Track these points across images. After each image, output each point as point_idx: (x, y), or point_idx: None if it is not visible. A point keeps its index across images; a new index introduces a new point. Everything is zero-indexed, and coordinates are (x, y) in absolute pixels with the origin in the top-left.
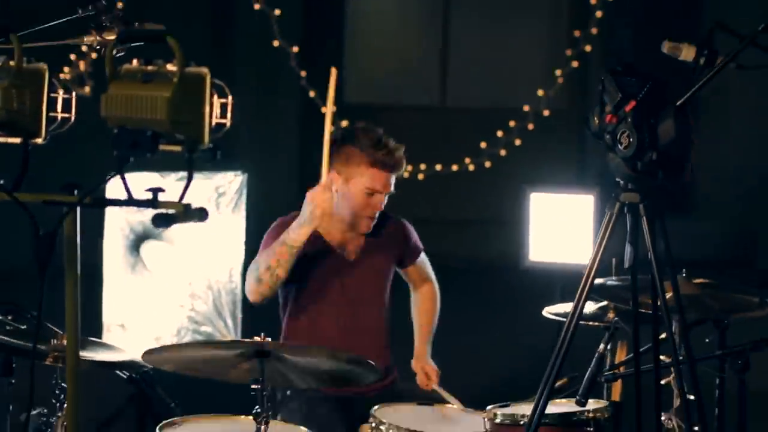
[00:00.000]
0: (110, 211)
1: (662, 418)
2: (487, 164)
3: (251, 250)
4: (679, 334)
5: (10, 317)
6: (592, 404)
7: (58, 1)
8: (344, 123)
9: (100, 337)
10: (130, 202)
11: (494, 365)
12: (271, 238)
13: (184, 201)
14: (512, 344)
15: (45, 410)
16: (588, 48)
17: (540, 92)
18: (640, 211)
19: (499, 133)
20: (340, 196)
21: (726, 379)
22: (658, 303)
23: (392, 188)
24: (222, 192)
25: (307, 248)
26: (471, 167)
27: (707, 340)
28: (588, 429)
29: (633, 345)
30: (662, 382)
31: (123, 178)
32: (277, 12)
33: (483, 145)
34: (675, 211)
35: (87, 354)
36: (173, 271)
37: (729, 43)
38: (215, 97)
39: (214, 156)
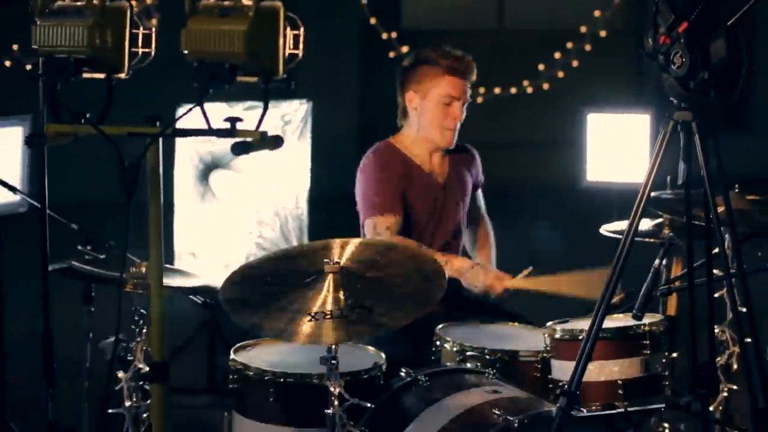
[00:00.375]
0: (180, 142)
1: (715, 330)
2: (546, 86)
3: (316, 177)
4: (731, 248)
5: (89, 247)
6: (648, 318)
7: None
8: (404, 49)
9: (173, 265)
10: (210, 131)
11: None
12: (376, 170)
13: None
14: (571, 262)
15: (123, 336)
16: None
17: (597, 13)
18: (693, 129)
19: (557, 55)
20: (420, 115)
21: None
22: (710, 218)
23: (468, 97)
24: (288, 120)
25: (402, 172)
26: (529, 90)
27: (759, 254)
28: (644, 342)
29: (688, 260)
30: (715, 295)
31: (203, 109)
32: None
33: (541, 67)
34: (729, 127)
35: (165, 280)
36: (241, 200)
37: None
38: (288, 29)
39: (289, 85)
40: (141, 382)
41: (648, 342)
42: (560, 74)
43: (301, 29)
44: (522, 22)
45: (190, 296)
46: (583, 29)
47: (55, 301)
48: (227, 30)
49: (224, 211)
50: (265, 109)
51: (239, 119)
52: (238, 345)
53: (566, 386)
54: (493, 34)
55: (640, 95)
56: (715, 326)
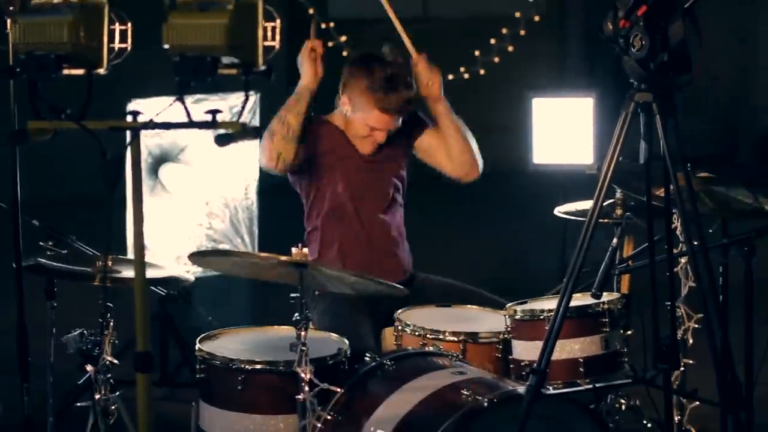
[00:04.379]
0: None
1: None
2: (482, 72)
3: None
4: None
5: (50, 243)
6: (606, 296)
7: None
8: (343, 38)
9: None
10: (191, 124)
11: (507, 264)
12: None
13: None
14: (523, 244)
15: (85, 330)
16: None
17: None
18: (654, 109)
19: (492, 41)
20: (348, 119)
21: (730, 268)
22: (672, 194)
23: (399, 123)
24: (236, 111)
25: (325, 140)
26: (466, 76)
27: (710, 231)
28: (603, 320)
29: (648, 237)
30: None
31: (183, 103)
32: None
33: (477, 53)
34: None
35: (128, 272)
36: (191, 192)
37: None
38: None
39: (269, 76)
40: (109, 375)
41: (607, 320)
42: (496, 59)
43: (278, 21)
44: (445, 9)
45: (152, 287)
46: (518, 14)
47: (15, 297)
48: (209, 24)
49: (174, 204)
50: (246, 100)
51: (219, 111)
52: (203, 335)
53: (535, 365)
54: (420, 22)
55: (563, 79)
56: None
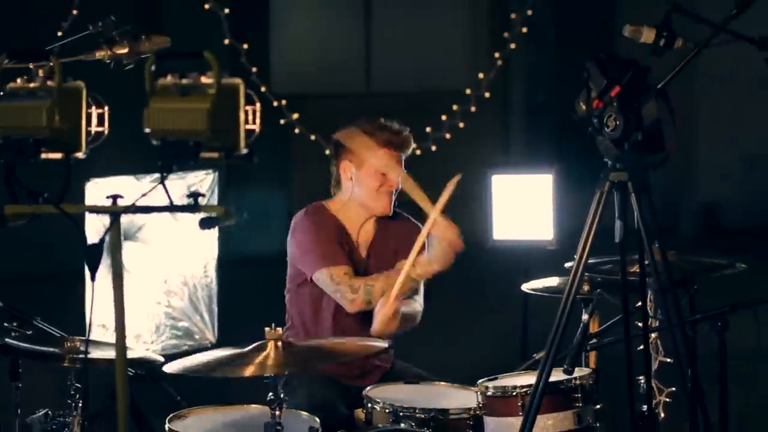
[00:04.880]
0: (88, 217)
1: (641, 380)
2: (433, 148)
3: (224, 244)
4: (663, 298)
5: (15, 323)
6: (577, 372)
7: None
8: (295, 116)
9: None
10: (172, 207)
11: (472, 340)
12: (312, 226)
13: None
14: (486, 320)
15: (50, 411)
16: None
17: (480, 75)
18: (629, 188)
19: (443, 117)
20: (355, 184)
21: (700, 341)
22: (647, 270)
23: (403, 168)
24: (194, 190)
25: (335, 231)
26: (418, 152)
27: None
28: (576, 395)
29: (623, 313)
30: (639, 348)
31: (164, 187)
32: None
33: (428, 129)
34: None
35: (98, 353)
36: (150, 270)
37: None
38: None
39: (251, 159)
40: None
41: (579, 395)
42: (447, 135)
43: (257, 105)
44: (388, 84)
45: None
46: (468, 91)
47: None
48: (191, 108)
49: (133, 282)
50: (228, 183)
51: (201, 194)
52: (172, 414)
53: None
54: (362, 97)
55: (508, 155)
56: (640, 377)
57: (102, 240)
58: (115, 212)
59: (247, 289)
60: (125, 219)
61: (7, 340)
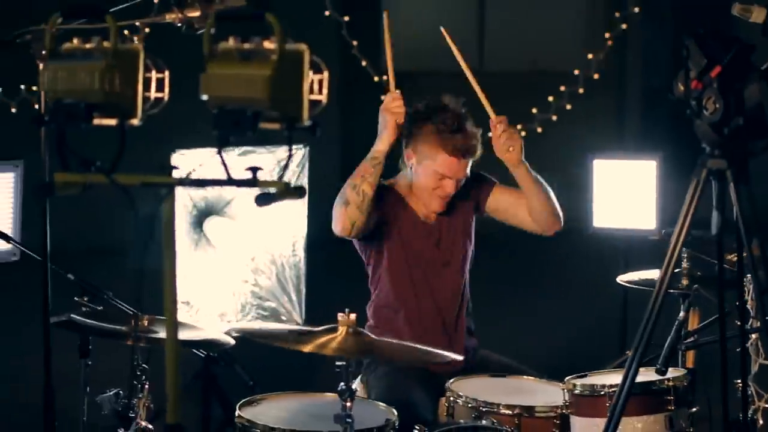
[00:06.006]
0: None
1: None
2: (539, 129)
3: (314, 222)
4: (761, 298)
5: (85, 298)
6: (671, 373)
7: None
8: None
9: None
10: (230, 181)
11: (565, 331)
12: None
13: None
14: (581, 310)
15: (121, 391)
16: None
17: (590, 56)
18: (728, 177)
19: (550, 98)
20: (413, 174)
21: None
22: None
23: (468, 172)
24: (284, 165)
25: (388, 208)
26: (522, 133)
27: None
28: (668, 398)
29: (719, 310)
30: (738, 349)
31: (222, 158)
32: None
33: (534, 110)
34: None
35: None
36: (236, 247)
37: None
38: (311, 73)
39: (314, 133)
40: None
41: (672, 397)
42: (554, 117)
43: (325, 73)
44: (500, 64)
45: (193, 350)
46: (576, 72)
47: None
48: (250, 75)
49: (219, 259)
50: (290, 157)
51: (260, 168)
52: (244, 400)
53: None
54: (480, 76)
55: (623, 140)
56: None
57: (155, 213)
58: (168, 184)
59: (337, 269)
60: (213, 193)
61: (72, 315)
